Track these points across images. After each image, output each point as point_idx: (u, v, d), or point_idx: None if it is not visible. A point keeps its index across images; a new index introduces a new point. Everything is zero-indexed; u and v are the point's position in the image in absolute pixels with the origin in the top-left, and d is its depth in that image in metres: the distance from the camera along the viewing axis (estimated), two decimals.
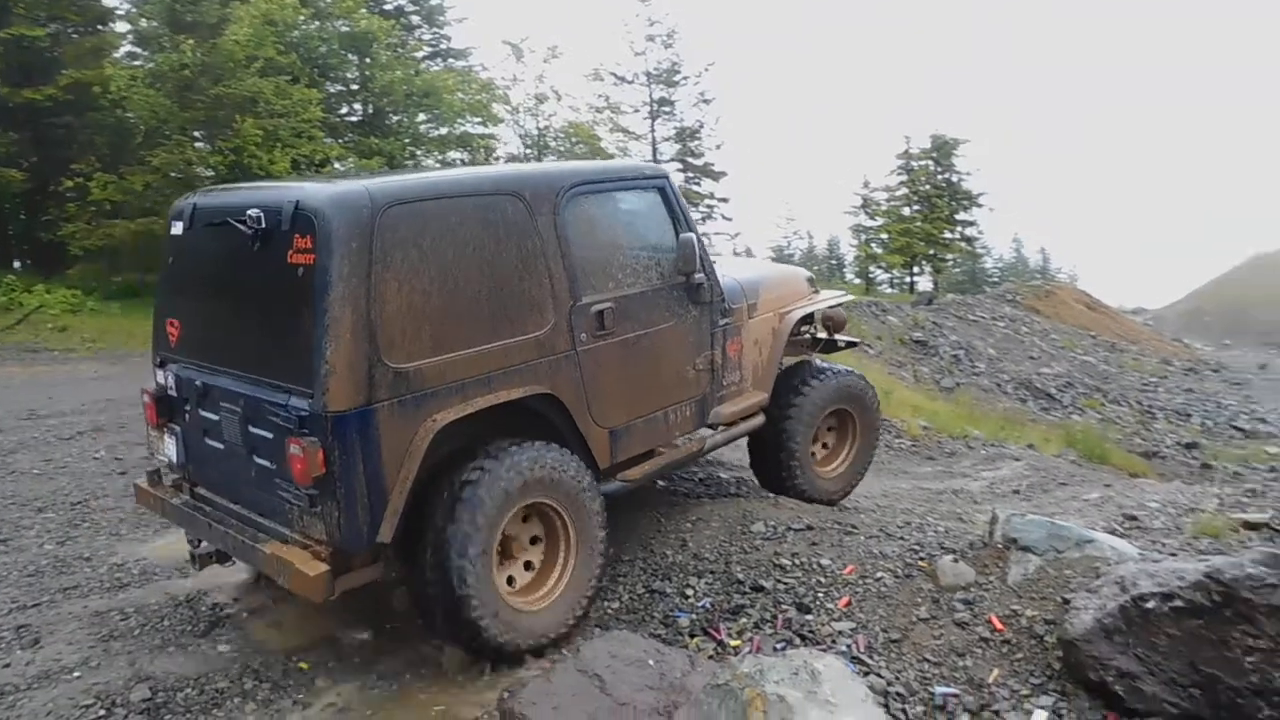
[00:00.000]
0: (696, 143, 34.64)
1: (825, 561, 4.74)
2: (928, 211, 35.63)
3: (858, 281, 41.59)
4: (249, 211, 3.76)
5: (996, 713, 3.43)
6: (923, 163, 36.35)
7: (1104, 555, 4.15)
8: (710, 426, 5.41)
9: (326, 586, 3.62)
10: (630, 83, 33.97)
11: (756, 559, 4.89)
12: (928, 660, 3.78)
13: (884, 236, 37.66)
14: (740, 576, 4.71)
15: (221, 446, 4.17)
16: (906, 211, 36.76)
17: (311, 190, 3.76)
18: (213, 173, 19.53)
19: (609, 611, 4.48)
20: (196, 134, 19.78)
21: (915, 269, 38.12)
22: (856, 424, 6.38)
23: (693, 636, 4.19)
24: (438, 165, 25.15)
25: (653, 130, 34.32)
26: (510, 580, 4.19)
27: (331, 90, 24.32)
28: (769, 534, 5.21)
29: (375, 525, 3.62)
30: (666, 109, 34.40)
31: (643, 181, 5.08)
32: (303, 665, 4.13)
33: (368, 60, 23.66)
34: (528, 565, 4.30)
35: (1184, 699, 3.26)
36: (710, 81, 38.94)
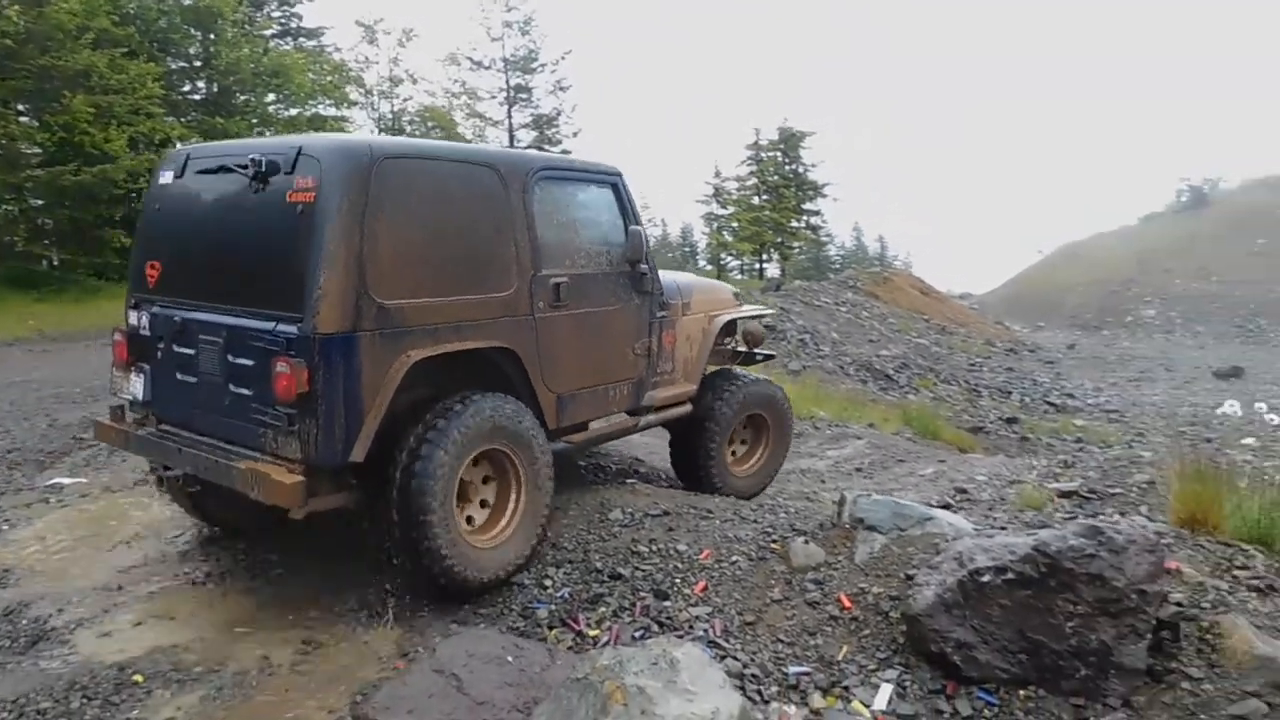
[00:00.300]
0: (554, 130, 34.40)
1: (682, 547, 4.76)
2: (776, 201, 36.53)
3: (710, 268, 42.29)
4: (251, 156, 4.08)
5: (846, 688, 3.52)
6: (771, 154, 37.23)
7: (943, 532, 4.32)
8: (643, 408, 5.76)
9: (301, 495, 3.82)
10: (487, 68, 33.46)
11: (615, 546, 4.87)
12: (781, 641, 3.85)
13: (735, 225, 38.37)
14: (599, 565, 4.67)
15: (195, 380, 4.41)
16: (756, 201, 37.58)
17: (314, 139, 4.33)
18: (39, 150, 18.11)
19: (466, 605, 4.36)
20: (21, 107, 18.28)
21: (764, 256, 39.05)
22: (770, 428, 6.69)
23: (551, 628, 4.12)
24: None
25: (510, 117, 33.93)
26: (469, 520, 4.47)
27: (173, 66, 22.91)
28: (627, 521, 5.20)
29: (349, 443, 3.89)
30: (524, 96, 34.02)
31: (600, 176, 5.45)
32: (137, 678, 3.81)
33: (212, 36, 22.38)
34: (483, 504, 4.58)
35: (1014, 664, 3.43)
36: (568, 69, 38.74)
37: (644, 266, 5.44)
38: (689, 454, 6.30)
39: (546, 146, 34.12)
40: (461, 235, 4.43)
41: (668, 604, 4.22)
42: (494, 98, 33.58)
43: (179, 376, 4.51)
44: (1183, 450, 4.87)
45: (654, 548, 4.81)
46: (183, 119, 22.18)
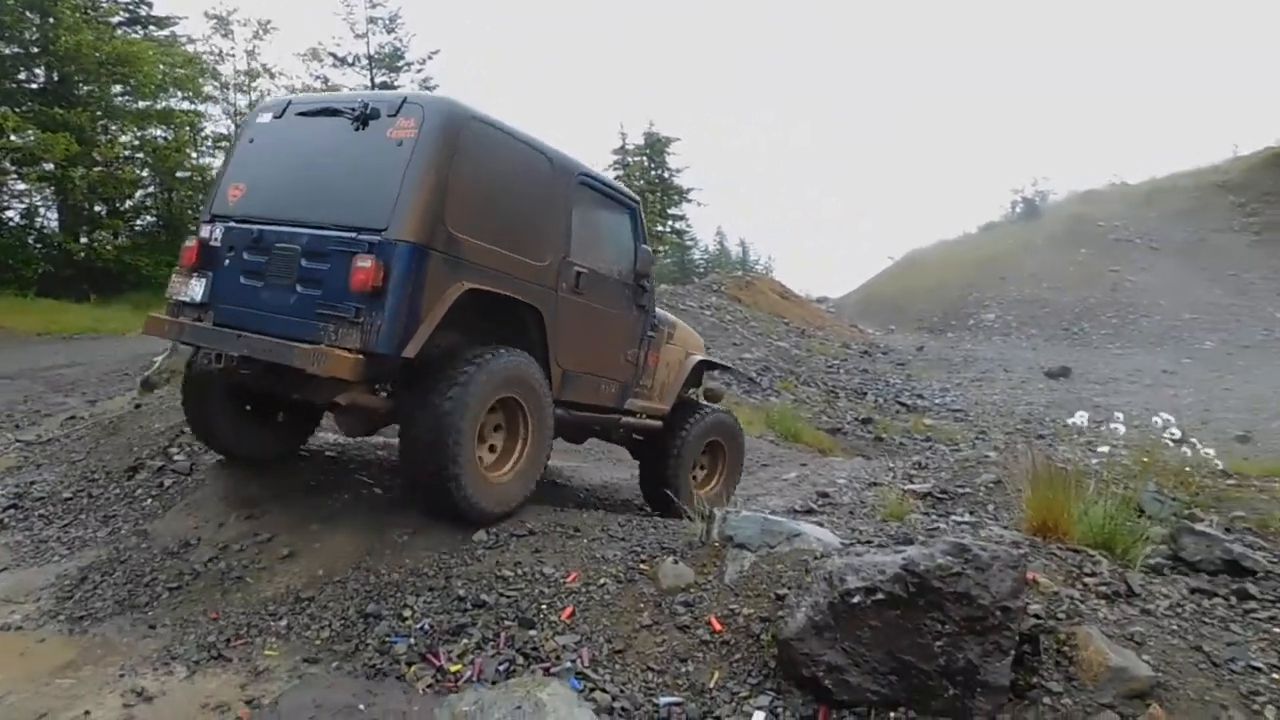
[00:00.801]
0: None
1: (548, 569, 4.52)
2: (642, 205, 36.65)
3: None
4: (359, 100, 4.92)
5: (718, 718, 3.37)
6: (637, 159, 37.32)
7: (811, 548, 4.23)
8: (625, 411, 6.34)
9: (357, 369, 4.37)
10: (351, 65, 32.17)
11: (479, 571, 4.58)
12: (651, 669, 3.66)
13: None
14: (461, 592, 4.38)
15: (260, 284, 4.91)
16: None
17: (418, 92, 5.59)
18: None
19: (317, 641, 3.99)
20: None
21: None
22: (726, 455, 7.26)
23: (410, 664, 3.81)
24: None
25: None
26: (481, 459, 4.95)
27: (5, 51, 21.09)
28: (491, 542, 4.91)
29: (405, 339, 4.44)
30: None
31: (624, 199, 6.29)
32: None
33: (50, 20, 20.69)
34: (491, 449, 5.11)
35: (884, 686, 3.35)
36: (436, 68, 37.73)
37: (646, 284, 6.33)
38: (658, 477, 6.72)
39: None
40: (516, 202, 5.19)
41: (534, 633, 3.98)
42: None
43: (243, 281, 5.02)
44: (1036, 456, 4.93)
45: (520, 571, 4.56)
46: (18, 108, 20.43)
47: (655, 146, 36.71)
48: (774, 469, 10.02)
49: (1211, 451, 5.29)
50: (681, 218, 39.47)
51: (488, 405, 4.81)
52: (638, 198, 6.52)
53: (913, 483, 10.16)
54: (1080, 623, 3.53)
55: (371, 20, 31.90)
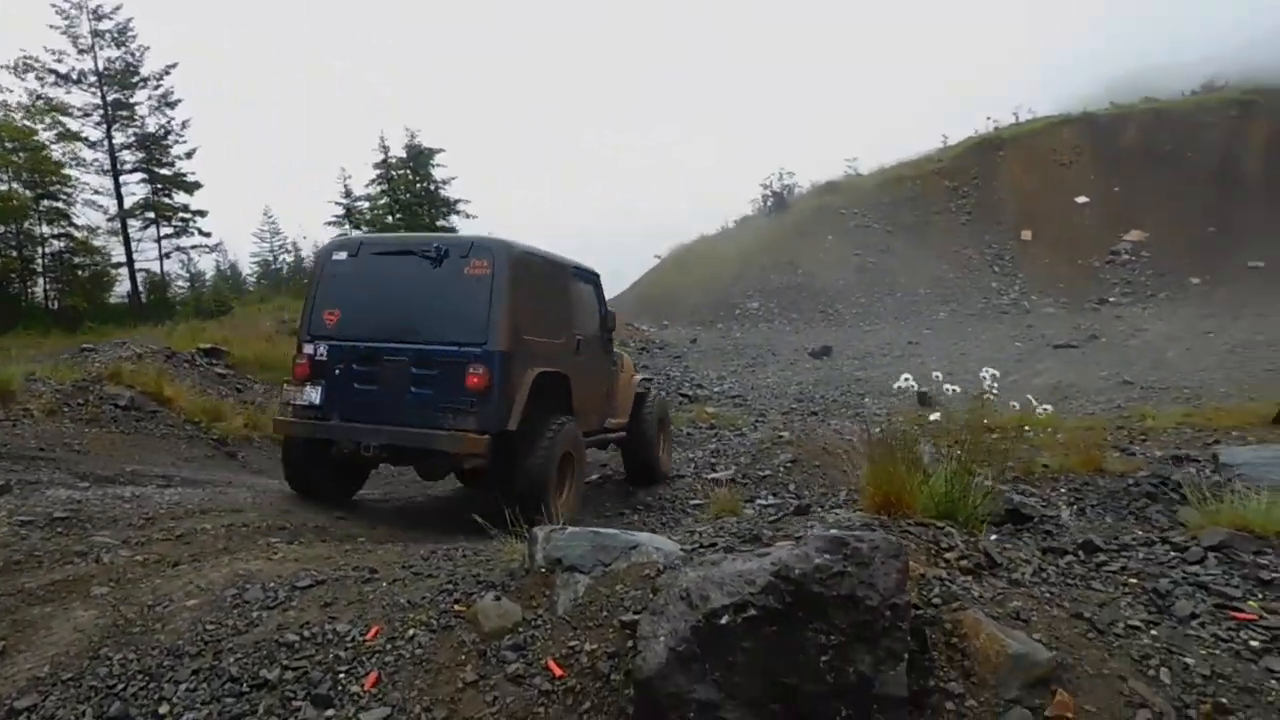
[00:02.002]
0: (164, 151, 30.00)
1: (343, 627, 3.59)
2: (409, 219, 34.84)
3: None
4: (434, 245, 6.52)
5: None
6: (401, 172, 35.46)
7: (651, 560, 3.57)
8: (605, 429, 8.21)
9: (486, 447, 6.05)
10: (77, 82, 28.29)
11: (256, 639, 3.58)
12: None
13: None
14: (235, 670, 3.37)
15: (375, 388, 6.39)
16: (390, 220, 35.61)
17: (481, 238, 6.81)
18: None
19: None
20: None
21: None
22: (667, 426, 9.94)
23: None
24: None
25: (109, 137, 29.01)
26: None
27: None
28: (269, 600, 3.93)
29: (508, 418, 6.14)
30: (125, 113, 29.26)
31: (591, 276, 8.18)
32: None
33: None
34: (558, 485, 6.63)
35: (768, 719, 2.72)
36: (178, 83, 33.95)
37: (610, 336, 8.34)
38: (640, 458, 9.00)
39: (156, 169, 29.80)
40: (548, 301, 6.98)
41: (331, 713, 3.06)
42: (89, 115, 28.53)
43: (356, 387, 6.41)
44: (868, 429, 4.51)
45: (307, 633, 3.60)
46: None
47: (419, 159, 35.00)
48: None
49: (1049, 407, 5.09)
50: (453, 230, 37.96)
51: (560, 457, 6.54)
52: (597, 271, 8.42)
53: (714, 471, 9.83)
54: (961, 607, 3.06)
55: (98, 34, 28.28)
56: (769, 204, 38.72)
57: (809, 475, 8.98)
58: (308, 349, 6.59)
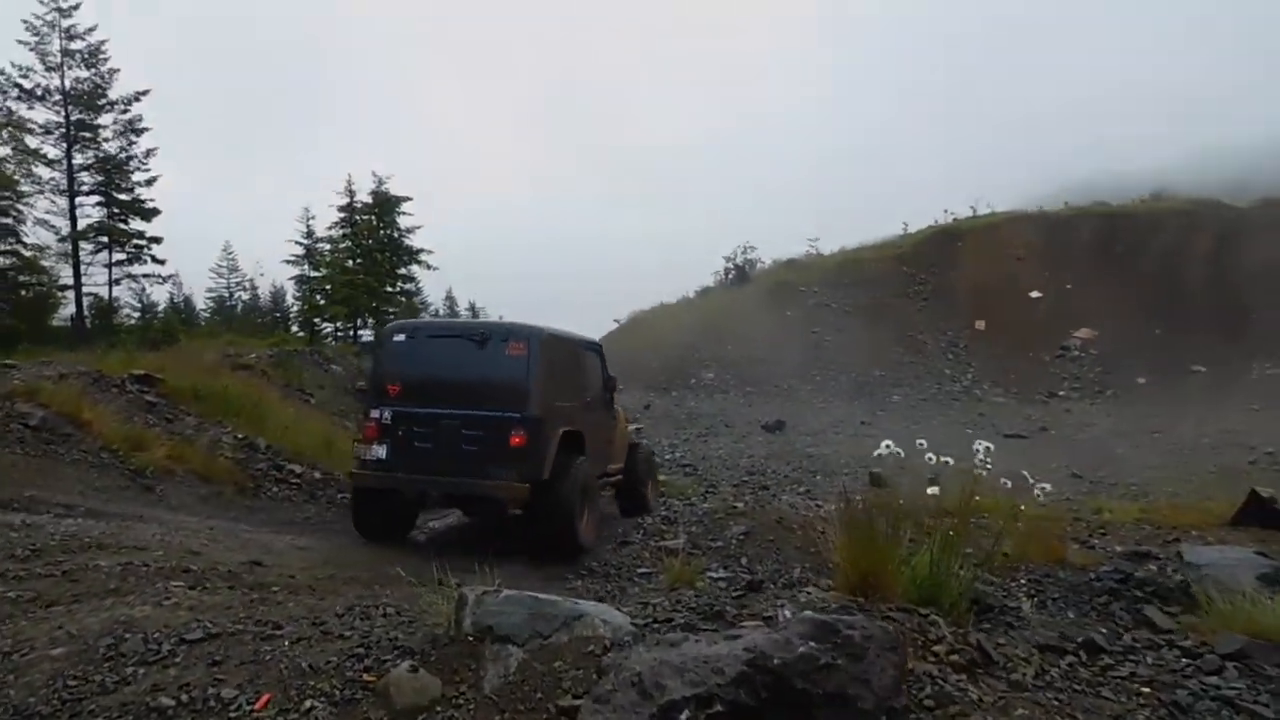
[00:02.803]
0: (125, 176, 29.17)
1: (229, 693, 3.02)
2: (370, 265, 34.16)
3: (302, 333, 38.48)
4: (480, 330, 8.21)
5: None
6: (366, 217, 34.86)
7: (597, 634, 3.06)
8: (607, 474, 9.79)
9: (527, 495, 7.56)
10: (41, 99, 27.51)
11: (124, 700, 2.99)
12: None
13: (328, 288, 35.23)
14: None
15: (431, 446, 7.81)
16: (350, 264, 34.87)
17: (517, 325, 8.22)
18: None
19: None
20: None
21: (359, 320, 36.28)
22: (654, 469, 11.99)
23: None
24: None
25: (69, 157, 28.15)
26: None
27: None
28: (150, 654, 3.34)
29: (541, 468, 7.66)
30: (87, 135, 28.46)
31: (596, 347, 10.27)
32: None
33: None
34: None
35: None
36: (146, 109, 33.15)
37: (611, 396, 10.09)
38: (633, 494, 10.63)
39: (114, 193, 28.91)
40: (569, 372, 8.68)
41: None
42: (50, 133, 27.69)
43: (416, 445, 7.83)
44: (846, 500, 4.07)
45: (186, 697, 3.02)
46: None
47: (385, 206, 34.44)
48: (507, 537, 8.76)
49: (1048, 486, 4.70)
50: (411, 279, 37.30)
51: (581, 492, 8.03)
52: (600, 342, 10.78)
53: (664, 539, 9.31)
54: (962, 713, 2.58)
55: (68, 53, 27.64)
56: (730, 276, 38.81)
57: (762, 549, 8.52)
58: (374, 414, 7.98)
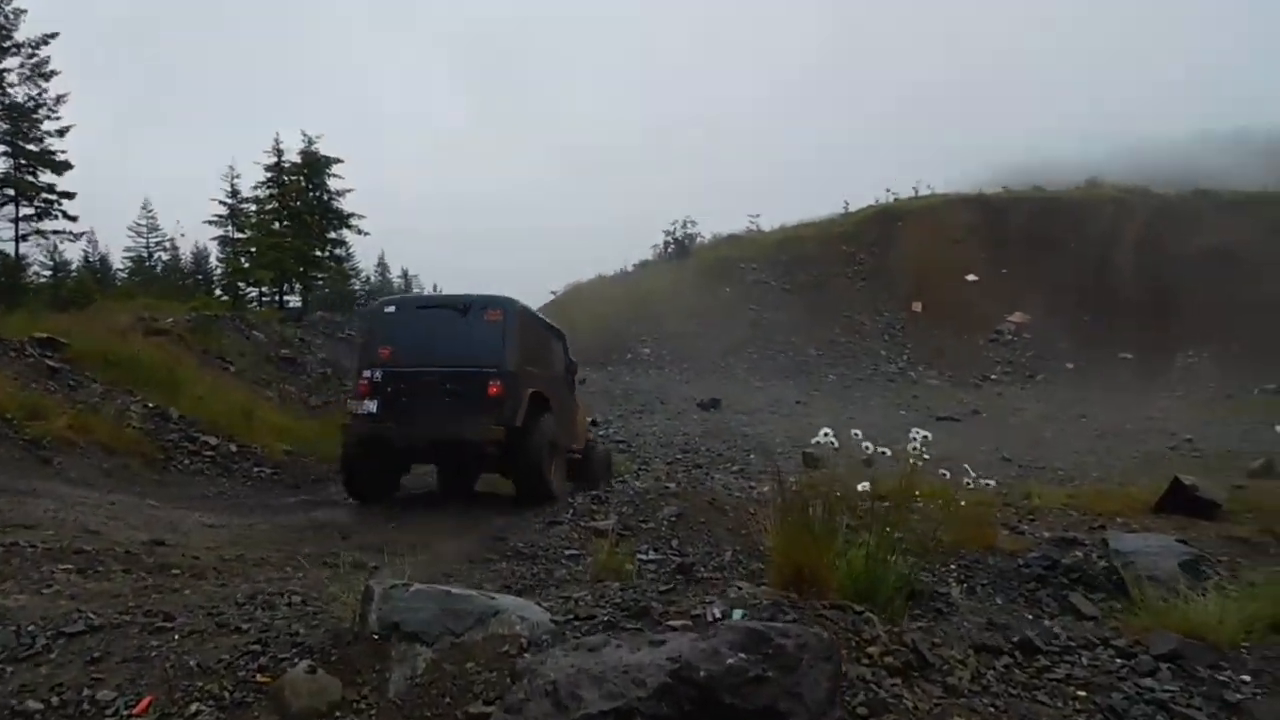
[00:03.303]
0: (33, 125, 27.63)
1: (107, 694, 2.77)
2: (298, 228, 33.07)
3: (226, 297, 37.17)
4: (463, 303, 9.36)
5: None
6: (294, 178, 33.70)
7: (513, 632, 2.88)
8: (573, 450, 11.07)
9: (504, 436, 8.64)
10: None
11: None
12: None
13: (253, 250, 34.03)
14: None
15: (417, 399, 8.87)
16: (277, 226, 33.72)
17: (496, 297, 9.50)
18: None
19: None
20: None
21: (286, 286, 35.20)
22: (609, 454, 13.47)
23: None
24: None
25: None
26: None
27: None
28: (21, 649, 3.06)
29: (515, 417, 8.82)
30: None
31: (561, 334, 11.60)
32: None
33: None
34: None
35: None
36: (56, 53, 31.46)
37: (573, 380, 11.78)
38: (590, 473, 11.29)
39: (21, 143, 27.42)
40: (537, 345, 10.08)
41: None
42: None
43: (403, 400, 8.95)
44: (781, 488, 3.95)
45: (57, 700, 2.76)
46: None
47: (314, 166, 33.32)
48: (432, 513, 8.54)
49: (993, 481, 4.64)
50: (342, 244, 36.23)
51: (549, 444, 9.35)
52: (564, 329, 12.01)
53: (594, 519, 9.15)
54: None
55: None
56: (670, 250, 38.66)
57: (693, 531, 8.41)
58: (366, 374, 9.10)
